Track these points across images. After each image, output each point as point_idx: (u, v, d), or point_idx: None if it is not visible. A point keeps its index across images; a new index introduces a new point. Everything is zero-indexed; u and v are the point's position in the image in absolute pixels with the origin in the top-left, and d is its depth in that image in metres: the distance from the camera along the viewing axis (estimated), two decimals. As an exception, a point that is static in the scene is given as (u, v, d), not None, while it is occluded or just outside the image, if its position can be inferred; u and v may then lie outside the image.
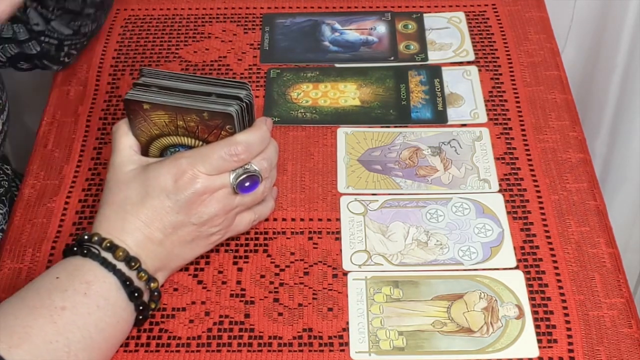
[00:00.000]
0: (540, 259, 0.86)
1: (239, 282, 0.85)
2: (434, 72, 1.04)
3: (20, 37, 1.00)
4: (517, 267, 0.85)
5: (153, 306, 0.80)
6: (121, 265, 0.77)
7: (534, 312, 0.82)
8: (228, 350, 0.80)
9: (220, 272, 0.85)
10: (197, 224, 0.81)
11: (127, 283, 0.76)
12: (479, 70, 1.05)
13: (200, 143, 0.82)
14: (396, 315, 0.82)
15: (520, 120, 0.99)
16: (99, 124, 1.00)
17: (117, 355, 0.79)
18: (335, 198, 0.92)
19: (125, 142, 0.83)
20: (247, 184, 0.82)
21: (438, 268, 0.85)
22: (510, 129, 0.98)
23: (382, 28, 1.10)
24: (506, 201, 0.91)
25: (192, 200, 0.79)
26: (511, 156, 0.95)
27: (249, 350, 0.80)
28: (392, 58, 1.06)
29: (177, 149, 0.83)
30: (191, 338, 0.81)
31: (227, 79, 0.82)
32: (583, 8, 1.40)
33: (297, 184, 0.93)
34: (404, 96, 1.02)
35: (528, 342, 0.80)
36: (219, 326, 0.81)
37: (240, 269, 0.86)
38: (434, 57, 1.07)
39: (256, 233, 0.88)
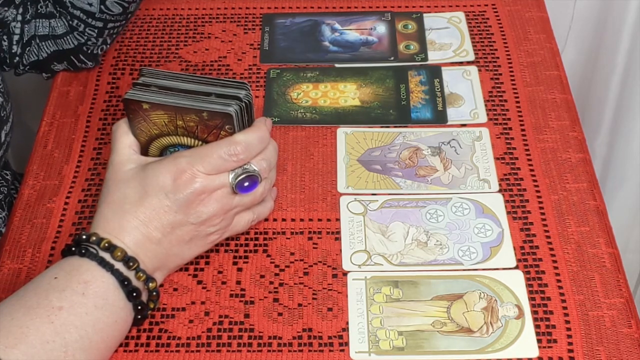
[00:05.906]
0: (540, 259, 0.86)
1: (238, 282, 0.85)
2: (434, 72, 1.04)
3: (58, 32, 1.00)
4: (516, 267, 0.85)
5: (152, 306, 0.80)
6: (119, 265, 0.77)
7: (534, 312, 0.82)
8: (228, 350, 0.80)
9: (220, 272, 0.85)
10: (195, 224, 0.80)
11: (125, 283, 0.76)
12: (479, 70, 1.04)
13: (200, 143, 0.82)
14: (396, 315, 0.82)
15: (520, 120, 0.99)
16: (99, 124, 1.00)
17: (117, 355, 0.79)
18: (335, 198, 0.91)
19: (125, 141, 0.83)
20: (246, 184, 0.82)
21: (438, 268, 0.85)
22: (510, 129, 0.98)
23: (382, 28, 1.10)
24: (506, 201, 0.91)
25: (191, 199, 0.79)
26: (511, 156, 0.95)
27: (248, 351, 0.80)
28: (392, 58, 1.06)
29: (177, 149, 0.83)
30: (191, 338, 0.81)
31: (227, 79, 0.82)
32: (583, 8, 1.40)
33: (297, 184, 0.93)
34: (403, 96, 1.01)
35: (528, 342, 0.80)
36: (218, 326, 0.81)
37: (240, 269, 0.86)
38: (433, 57, 1.06)
39: (256, 233, 0.88)
